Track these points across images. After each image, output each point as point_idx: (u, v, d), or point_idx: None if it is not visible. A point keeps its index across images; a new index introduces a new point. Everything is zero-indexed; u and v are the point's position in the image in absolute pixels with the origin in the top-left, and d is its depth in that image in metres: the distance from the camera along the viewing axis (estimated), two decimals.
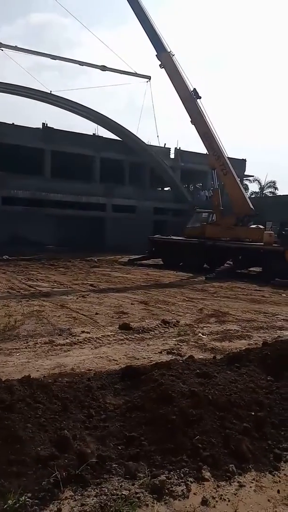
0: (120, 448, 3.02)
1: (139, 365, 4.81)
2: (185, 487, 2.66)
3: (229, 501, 2.59)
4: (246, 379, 3.96)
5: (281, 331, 7.55)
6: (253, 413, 3.35)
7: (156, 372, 3.97)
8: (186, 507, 2.50)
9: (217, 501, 2.58)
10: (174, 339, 6.66)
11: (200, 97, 19.38)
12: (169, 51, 19.66)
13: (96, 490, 2.60)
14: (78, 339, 6.36)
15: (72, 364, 5.17)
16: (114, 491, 2.59)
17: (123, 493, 2.57)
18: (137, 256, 21.73)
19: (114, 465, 2.82)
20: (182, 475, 2.76)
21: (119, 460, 2.89)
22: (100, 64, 26.45)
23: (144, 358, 5.55)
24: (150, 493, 2.59)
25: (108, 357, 5.52)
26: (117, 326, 7.22)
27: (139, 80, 26.46)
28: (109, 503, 2.47)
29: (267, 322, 8.36)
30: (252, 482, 2.78)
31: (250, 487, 2.74)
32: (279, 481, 2.82)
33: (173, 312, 9.02)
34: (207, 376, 3.98)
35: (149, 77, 25.88)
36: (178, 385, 3.65)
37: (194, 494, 2.62)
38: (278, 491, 2.71)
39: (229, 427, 3.16)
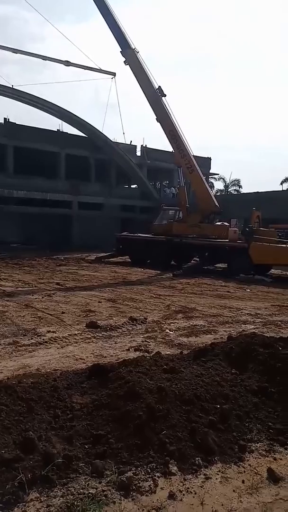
0: (87, 447, 3.00)
1: (106, 363, 4.79)
2: (152, 482, 2.67)
3: (195, 493, 2.62)
4: (212, 373, 4.02)
5: (245, 325, 7.74)
6: (218, 406, 3.41)
7: (123, 369, 3.96)
8: (153, 502, 2.51)
9: (184, 494, 2.60)
10: (142, 336, 6.67)
11: (165, 95, 19.47)
12: (133, 48, 19.62)
13: (62, 490, 2.56)
14: (43, 339, 6.24)
15: (37, 364, 5.07)
16: (81, 490, 2.56)
17: (90, 491, 2.55)
18: (104, 254, 21.62)
19: (81, 464, 2.80)
20: (149, 471, 2.77)
21: (86, 459, 2.86)
22: (64, 59, 25.99)
23: (112, 356, 5.53)
24: (117, 490, 2.59)
25: (74, 356, 5.45)
26: (84, 325, 7.15)
27: (104, 77, 26.23)
28: (75, 503, 2.44)
29: (232, 316, 8.54)
30: (218, 474, 2.83)
31: (216, 479, 2.79)
32: (244, 472, 2.89)
33: (140, 309, 9.04)
34: (174, 371, 4.01)
35: (114, 74, 25.67)
36: (145, 381, 3.66)
37: (161, 488, 2.64)
38: (243, 481, 2.78)
39: (195, 420, 3.20)
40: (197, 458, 2.90)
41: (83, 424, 3.22)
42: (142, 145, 35.43)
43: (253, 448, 3.14)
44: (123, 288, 12.24)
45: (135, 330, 7.09)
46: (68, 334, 6.54)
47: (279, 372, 3.94)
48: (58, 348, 5.83)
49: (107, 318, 7.92)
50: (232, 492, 2.67)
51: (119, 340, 6.38)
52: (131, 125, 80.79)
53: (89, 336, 6.51)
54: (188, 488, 2.66)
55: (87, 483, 2.64)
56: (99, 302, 9.63)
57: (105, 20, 19.71)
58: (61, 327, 7.04)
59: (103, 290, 11.53)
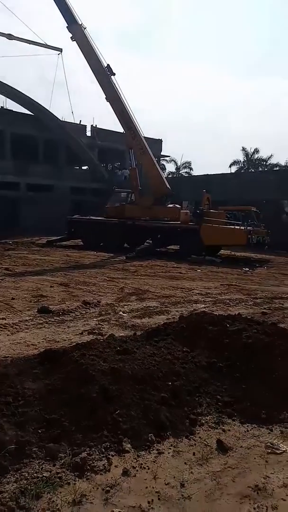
0: (40, 431, 2.97)
1: (59, 347, 4.74)
2: (106, 461, 2.71)
3: (148, 468, 2.70)
4: (164, 351, 4.12)
5: (196, 305, 7.98)
6: (170, 383, 3.51)
7: (77, 353, 3.94)
8: (107, 480, 2.56)
9: (137, 470, 2.68)
10: (95, 319, 6.67)
11: (114, 74, 19.09)
12: (80, 23, 18.94)
13: (15, 475, 2.54)
14: None
15: None
16: (35, 475, 2.56)
17: (44, 475, 2.55)
18: (56, 237, 21.17)
19: (34, 449, 2.78)
20: (104, 450, 2.81)
21: (39, 443, 2.84)
22: (6, 32, 24.52)
23: (65, 340, 5.48)
24: (71, 471, 2.61)
25: (26, 343, 5.34)
26: (36, 310, 7.01)
27: (51, 53, 25.14)
28: (29, 487, 2.43)
29: (184, 297, 8.75)
30: (170, 448, 2.93)
31: (168, 453, 2.89)
32: (195, 444, 3.02)
33: (94, 292, 9.00)
34: (127, 352, 4.06)
35: (60, 50, 24.71)
36: (98, 363, 3.67)
37: (115, 466, 2.69)
38: (194, 454, 2.90)
39: (148, 398, 3.28)
40: (150, 435, 2.99)
41: (36, 410, 3.18)
42: (92, 125, 34.68)
43: (203, 421, 3.28)
44: (76, 272, 12.10)
45: (88, 313, 7.07)
46: (19, 320, 6.38)
47: (227, 347, 4.12)
48: (8, 335, 5.67)
49: (60, 302, 7.82)
50: (184, 464, 2.78)
51: (72, 324, 6.34)
52: (80, 104, 78.57)
53: (41, 321, 6.40)
54: (141, 464, 2.74)
55: (40, 467, 2.63)
56: (51, 286, 9.46)
57: None
58: (11, 314, 6.84)
59: (55, 275, 11.33)
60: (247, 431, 3.23)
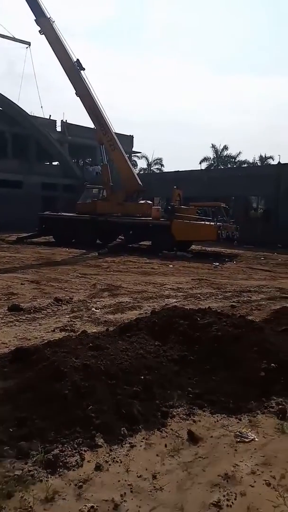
0: (11, 430, 2.95)
1: (30, 345, 4.69)
2: (79, 456, 2.72)
3: (121, 462, 2.73)
4: (136, 346, 4.15)
5: (168, 299, 8.06)
6: (142, 377, 3.54)
7: (48, 351, 3.92)
8: (80, 475, 2.57)
9: (110, 465, 2.70)
10: (68, 316, 6.62)
11: (84, 69, 18.92)
12: (49, 17, 18.60)
13: None
14: None
15: None
16: (7, 474, 2.53)
17: (16, 473, 2.53)
18: (26, 234, 20.80)
19: (6, 448, 2.75)
20: (76, 446, 2.81)
21: (10, 442, 2.81)
22: None
23: (36, 338, 5.42)
24: (44, 468, 2.60)
25: None
26: (6, 308, 6.88)
27: (19, 46, 24.57)
28: (1, 486, 2.41)
29: (156, 292, 8.83)
30: (142, 441, 2.97)
31: (141, 446, 2.93)
32: (166, 436, 3.07)
33: (66, 289, 8.93)
34: (100, 348, 4.06)
35: (28, 43, 24.23)
36: (70, 360, 3.66)
37: (88, 461, 2.70)
38: (166, 445, 2.95)
39: (120, 393, 3.30)
40: (122, 429, 3.02)
41: (7, 408, 3.15)
42: (62, 120, 34.19)
43: (175, 413, 3.34)
44: (47, 268, 11.96)
45: (60, 310, 7.01)
46: None
47: (198, 340, 4.20)
48: None
49: (31, 300, 7.70)
50: (156, 456, 2.82)
51: (43, 322, 6.27)
52: (50, 99, 77.12)
53: (11, 319, 6.29)
54: (114, 458, 2.77)
55: (12, 465, 2.61)
56: (21, 284, 9.30)
57: None
58: None
59: (26, 272, 11.16)
60: (217, 421, 3.32)
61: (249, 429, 3.20)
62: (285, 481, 2.58)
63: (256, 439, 3.07)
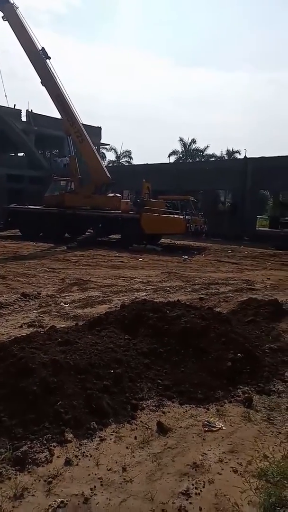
0: None
1: None
2: (48, 452, 2.70)
3: (91, 456, 2.74)
4: (106, 340, 4.15)
5: (138, 293, 8.09)
6: (112, 371, 3.55)
7: (16, 347, 3.84)
8: (49, 471, 2.55)
9: (79, 459, 2.70)
10: (36, 312, 6.51)
11: (49, 58, 18.48)
12: (12, 2, 18.00)
13: None
14: None
15: None
16: None
17: None
18: None
19: None
20: (45, 442, 2.79)
21: None
22: None
23: (3, 334, 5.30)
24: (12, 466, 2.56)
25: None
26: None
27: None
28: None
29: (126, 285, 8.83)
30: (112, 435, 2.99)
31: (111, 439, 2.94)
32: (136, 429, 3.09)
33: (33, 284, 8.77)
34: (69, 343, 4.03)
35: None
36: (39, 356, 3.61)
37: (58, 457, 2.69)
38: (135, 437, 2.98)
39: (90, 387, 3.29)
40: (92, 423, 3.01)
41: None
42: (27, 110, 33.29)
43: (144, 405, 3.38)
44: (14, 263, 11.69)
45: (28, 306, 6.88)
46: None
47: (167, 333, 4.25)
48: None
49: None
50: (126, 449, 2.85)
51: (10, 318, 6.14)
52: (14, 88, 74.99)
53: None
54: (83, 452, 2.77)
55: None
56: None
57: None
58: None
59: None
60: (186, 411, 3.38)
61: (217, 418, 3.28)
62: (251, 468, 2.67)
63: (223, 428, 3.15)
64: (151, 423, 3.17)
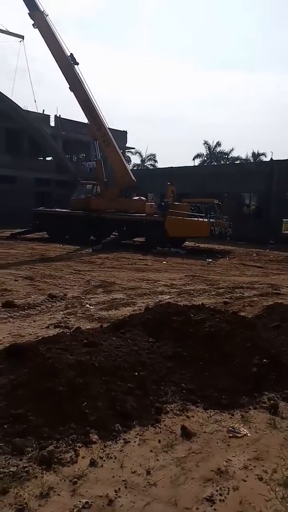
0: (6, 426, 2.96)
1: (24, 342, 4.69)
2: (73, 453, 2.74)
3: (115, 458, 2.76)
4: (130, 343, 4.17)
5: (162, 296, 8.09)
6: (136, 373, 3.57)
7: (43, 347, 3.92)
8: (75, 471, 2.59)
9: (104, 460, 2.73)
10: (62, 313, 6.63)
11: (77, 63, 18.81)
12: (42, 10, 18.43)
13: None
14: None
15: None
16: (1, 470, 2.55)
17: (11, 470, 2.55)
18: (20, 230, 20.71)
19: (1, 444, 2.76)
20: (71, 442, 2.83)
21: (5, 438, 2.83)
22: None
23: (31, 334, 5.42)
24: (38, 465, 2.62)
25: None
26: (0, 305, 6.87)
27: (12, 39, 24.33)
28: None
29: (150, 288, 8.85)
30: (136, 437, 3.00)
31: (135, 441, 2.96)
32: (160, 432, 3.10)
33: (60, 285, 8.92)
34: (94, 344, 4.08)
35: (22, 37, 23.98)
36: (65, 357, 3.67)
37: (83, 458, 2.73)
38: (159, 441, 2.98)
39: (114, 389, 3.32)
40: (116, 425, 3.04)
41: (1, 405, 3.16)
42: (56, 115, 33.96)
43: (168, 409, 3.38)
44: (41, 265, 11.93)
45: (54, 307, 7.01)
46: None
47: (191, 337, 4.23)
48: None
49: (25, 296, 7.70)
50: (150, 452, 2.85)
51: (38, 318, 6.27)
52: (43, 93, 76.62)
53: (5, 316, 6.28)
54: (108, 454, 2.79)
55: (7, 462, 2.62)
56: (15, 280, 9.28)
57: None
58: None
59: (20, 268, 11.12)
60: (210, 416, 3.36)
61: (242, 424, 3.25)
62: (277, 476, 2.63)
63: (248, 434, 3.12)
64: (175, 427, 3.17)
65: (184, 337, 4.29)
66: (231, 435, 3.10)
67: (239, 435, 3.09)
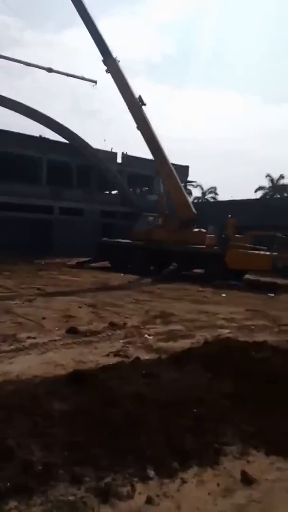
0: (66, 453, 3.03)
1: (86, 369, 4.82)
2: (130, 487, 2.72)
3: (172, 497, 2.69)
4: (189, 377, 4.13)
5: (221, 330, 7.89)
6: (194, 410, 3.50)
7: (103, 375, 4.02)
8: (131, 507, 2.57)
9: (161, 499, 2.67)
10: (121, 341, 6.72)
11: (145, 104, 19.76)
12: (114, 57, 19.83)
13: (41, 498, 2.58)
14: (23, 345, 6.20)
15: (17, 371, 5.03)
16: (60, 497, 2.59)
17: (69, 498, 2.58)
18: (85, 259, 21.58)
19: (60, 471, 2.82)
20: (128, 476, 2.82)
21: (65, 465, 2.89)
22: (46, 66, 26.01)
23: (92, 361, 5.54)
24: (96, 496, 2.62)
25: (54, 362, 5.44)
26: (64, 330, 7.15)
27: (85, 84, 26.39)
28: (54, 510, 2.47)
29: (209, 321, 8.69)
30: (194, 478, 2.91)
31: (192, 482, 2.86)
32: (219, 475, 2.98)
33: (120, 314, 9.08)
34: (152, 376, 4.10)
35: (95, 81, 25.89)
36: (124, 387, 3.73)
37: (139, 493, 2.69)
38: (218, 484, 2.86)
39: (172, 425, 3.29)
40: (174, 463, 2.98)
41: (61, 431, 3.25)
42: (123, 152, 35.66)
43: (228, 451, 3.24)
44: (103, 293, 12.26)
45: (114, 335, 7.14)
46: (48, 340, 6.52)
47: (252, 376, 4.08)
48: (38, 354, 5.81)
49: (87, 323, 7.94)
50: (208, 495, 2.75)
51: (99, 346, 6.41)
52: (111, 131, 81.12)
53: (69, 341, 6.51)
54: (165, 492, 2.73)
55: (66, 490, 2.66)
56: (79, 307, 9.63)
57: (87, 28, 19.87)
58: (41, 333, 7.01)
59: (84, 295, 11.52)
60: (272, 463, 3.17)
61: None
62: None
63: None
64: (234, 471, 3.03)
65: (244, 376, 4.15)
66: None
67: None
